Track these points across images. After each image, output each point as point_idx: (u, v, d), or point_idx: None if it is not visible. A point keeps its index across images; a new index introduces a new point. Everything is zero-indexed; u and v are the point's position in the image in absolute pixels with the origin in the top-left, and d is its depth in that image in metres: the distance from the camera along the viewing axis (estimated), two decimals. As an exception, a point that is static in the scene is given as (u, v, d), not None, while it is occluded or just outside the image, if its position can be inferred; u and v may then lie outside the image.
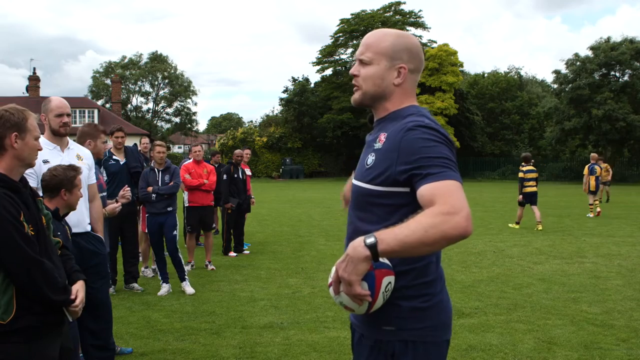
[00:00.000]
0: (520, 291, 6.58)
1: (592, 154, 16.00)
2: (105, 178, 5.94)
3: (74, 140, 4.17)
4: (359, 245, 1.62)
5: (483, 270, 7.79)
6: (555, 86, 41.58)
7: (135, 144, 7.47)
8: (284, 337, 4.91)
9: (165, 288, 6.58)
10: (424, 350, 1.78)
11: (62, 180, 3.20)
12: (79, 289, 2.54)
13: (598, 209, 15.13)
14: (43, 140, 3.59)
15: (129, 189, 5.06)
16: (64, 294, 2.41)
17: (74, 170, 3.28)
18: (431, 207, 1.59)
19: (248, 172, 9.74)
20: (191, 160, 8.35)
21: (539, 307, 5.87)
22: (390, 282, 1.73)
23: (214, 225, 8.70)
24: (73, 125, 4.25)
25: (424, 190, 1.63)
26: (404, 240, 1.58)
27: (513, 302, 6.09)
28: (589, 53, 38.38)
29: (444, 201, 1.58)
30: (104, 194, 4.78)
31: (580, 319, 5.43)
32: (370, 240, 1.61)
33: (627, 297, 6.30)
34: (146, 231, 7.08)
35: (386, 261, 1.73)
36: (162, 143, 7.04)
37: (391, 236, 1.60)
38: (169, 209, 6.64)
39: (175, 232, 6.68)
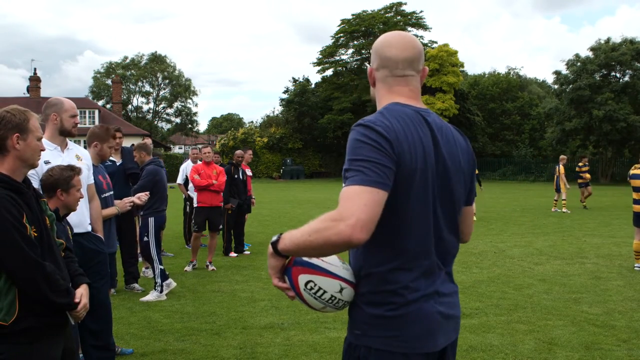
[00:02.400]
0: (521, 292, 6.58)
1: (562, 156, 17.20)
2: None
3: (74, 142, 4.18)
4: (271, 241, 1.73)
5: (484, 271, 7.79)
6: (556, 87, 41.54)
7: (133, 145, 7.46)
8: (284, 338, 4.91)
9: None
10: None
11: (58, 180, 3.20)
12: (82, 293, 2.52)
13: (554, 208, 16.57)
14: (43, 140, 3.59)
15: (148, 194, 5.12)
16: (67, 297, 2.40)
17: (71, 170, 3.27)
18: (328, 212, 1.58)
19: (249, 172, 9.75)
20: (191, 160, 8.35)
21: (539, 307, 5.87)
22: (311, 281, 1.71)
23: (220, 226, 8.68)
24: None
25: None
26: (296, 241, 1.63)
27: (514, 302, 6.09)
28: (589, 54, 38.33)
29: (339, 206, 1.55)
30: (111, 192, 4.81)
31: (581, 319, 5.43)
32: (274, 237, 1.72)
33: (628, 297, 6.30)
34: None
35: (313, 260, 1.72)
36: (138, 144, 6.67)
37: (289, 236, 1.66)
38: (141, 212, 6.39)
39: (145, 239, 6.33)
